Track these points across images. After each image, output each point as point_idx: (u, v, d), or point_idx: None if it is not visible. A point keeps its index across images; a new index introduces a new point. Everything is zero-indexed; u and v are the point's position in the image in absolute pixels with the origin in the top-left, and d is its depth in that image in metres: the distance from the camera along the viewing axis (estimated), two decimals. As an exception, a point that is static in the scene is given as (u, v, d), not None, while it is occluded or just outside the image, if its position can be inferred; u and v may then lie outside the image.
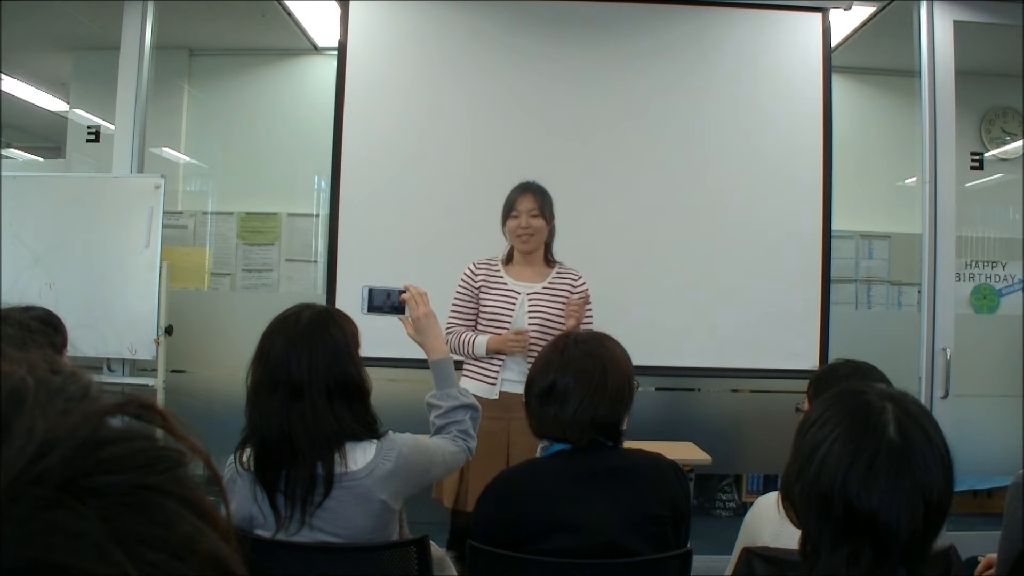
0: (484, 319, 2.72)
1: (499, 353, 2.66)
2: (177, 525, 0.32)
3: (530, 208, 2.69)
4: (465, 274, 2.77)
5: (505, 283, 2.73)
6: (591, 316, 2.75)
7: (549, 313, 2.69)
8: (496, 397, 2.63)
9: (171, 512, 0.33)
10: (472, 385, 2.61)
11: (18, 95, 5.52)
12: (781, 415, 3.60)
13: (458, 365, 2.48)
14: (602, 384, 1.61)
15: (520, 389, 2.60)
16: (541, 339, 2.62)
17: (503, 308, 2.69)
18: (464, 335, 2.70)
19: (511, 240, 2.74)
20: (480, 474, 2.47)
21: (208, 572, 0.33)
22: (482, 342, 2.65)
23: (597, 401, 1.60)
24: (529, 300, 2.70)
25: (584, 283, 2.77)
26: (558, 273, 2.77)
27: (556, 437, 1.65)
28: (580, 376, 1.61)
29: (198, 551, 0.33)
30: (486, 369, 2.67)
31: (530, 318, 2.68)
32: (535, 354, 2.61)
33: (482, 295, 2.73)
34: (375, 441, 1.64)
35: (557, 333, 2.68)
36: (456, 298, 2.75)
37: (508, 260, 2.79)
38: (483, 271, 2.76)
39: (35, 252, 3.28)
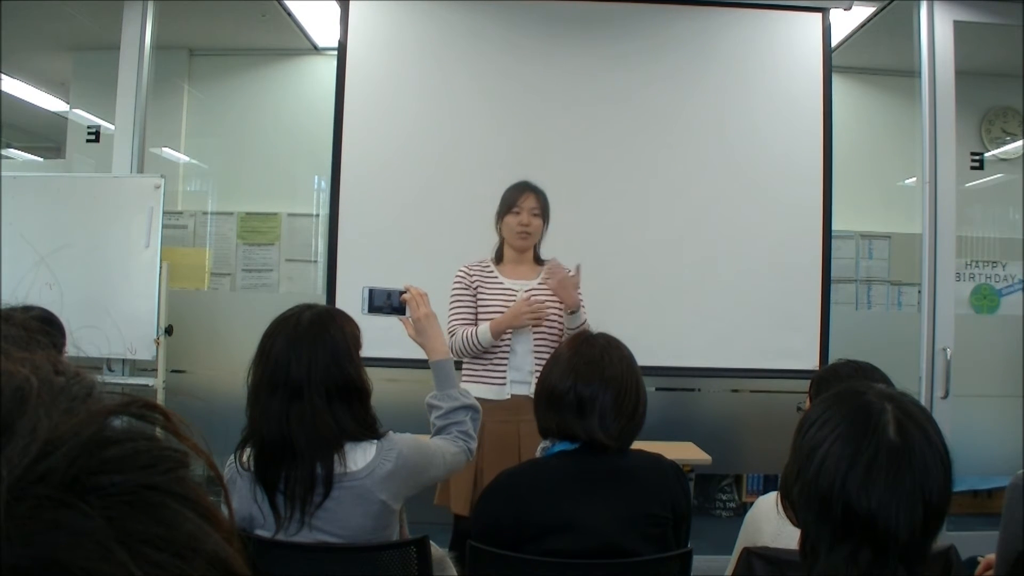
0: (484, 320, 2.69)
1: (509, 328, 2.62)
2: (180, 525, 0.33)
3: (532, 207, 2.70)
4: (459, 275, 2.73)
5: (501, 282, 2.72)
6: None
7: (548, 308, 2.68)
8: (507, 398, 2.60)
9: (174, 512, 0.33)
10: (480, 389, 2.56)
11: (18, 95, 5.51)
12: (781, 415, 3.60)
13: (457, 366, 2.46)
14: (635, 401, 1.63)
15: (527, 391, 2.62)
16: (542, 336, 2.63)
17: (503, 306, 2.67)
18: (465, 331, 2.64)
19: (507, 236, 2.72)
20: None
21: (211, 572, 0.33)
22: (485, 329, 2.60)
23: (628, 419, 1.62)
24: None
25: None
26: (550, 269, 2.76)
27: (570, 439, 1.64)
28: (618, 392, 1.61)
29: (201, 551, 0.33)
30: (493, 372, 2.63)
31: None
32: (541, 343, 2.66)
33: (479, 295, 2.71)
34: (375, 441, 1.64)
35: (556, 328, 2.69)
36: (455, 299, 2.71)
37: (499, 260, 2.77)
38: (476, 271, 2.74)
39: (35, 252, 3.28)
